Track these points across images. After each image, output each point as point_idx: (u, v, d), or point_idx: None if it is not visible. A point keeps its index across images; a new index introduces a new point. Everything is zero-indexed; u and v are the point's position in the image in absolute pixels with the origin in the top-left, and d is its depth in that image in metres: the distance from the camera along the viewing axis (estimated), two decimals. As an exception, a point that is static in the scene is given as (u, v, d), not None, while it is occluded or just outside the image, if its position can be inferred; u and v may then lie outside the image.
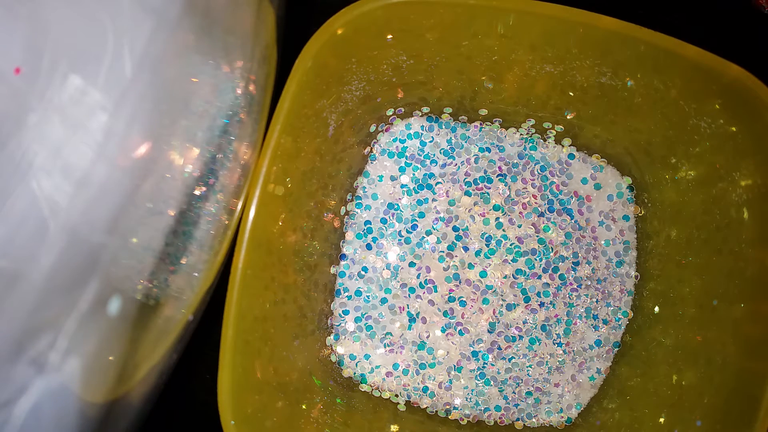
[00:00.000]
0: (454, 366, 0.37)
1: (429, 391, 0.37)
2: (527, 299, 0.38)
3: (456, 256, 0.38)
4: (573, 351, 0.38)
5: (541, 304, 0.38)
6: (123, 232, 0.24)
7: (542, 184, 0.39)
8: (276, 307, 0.33)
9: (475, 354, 0.38)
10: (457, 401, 0.37)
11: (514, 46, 0.33)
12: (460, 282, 0.38)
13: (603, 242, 0.39)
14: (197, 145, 0.27)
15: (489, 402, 0.37)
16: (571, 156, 0.39)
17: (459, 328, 0.38)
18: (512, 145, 0.39)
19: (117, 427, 0.27)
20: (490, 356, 0.37)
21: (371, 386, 0.37)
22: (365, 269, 0.38)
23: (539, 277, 0.38)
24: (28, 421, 0.22)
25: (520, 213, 0.39)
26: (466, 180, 0.39)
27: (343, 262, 0.38)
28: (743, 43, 0.39)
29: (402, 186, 0.39)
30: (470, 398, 0.37)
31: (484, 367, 0.37)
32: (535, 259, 0.38)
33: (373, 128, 0.38)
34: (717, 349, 0.32)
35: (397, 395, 0.37)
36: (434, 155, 0.39)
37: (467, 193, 0.39)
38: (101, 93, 0.22)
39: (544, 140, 0.39)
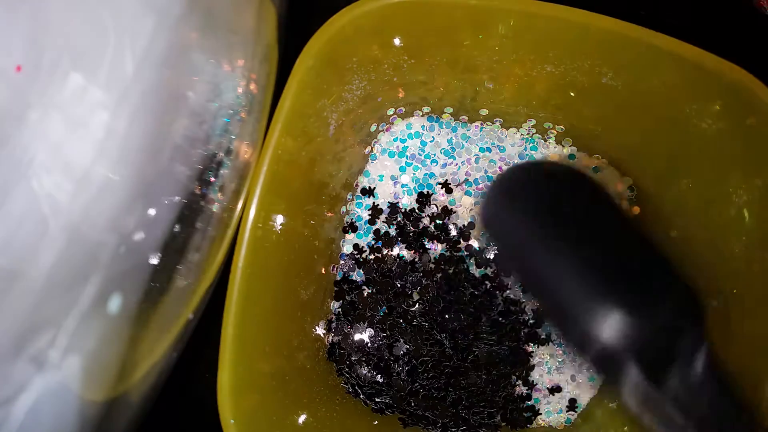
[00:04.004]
0: (454, 366, 0.37)
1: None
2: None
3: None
4: (573, 351, 0.38)
5: (541, 305, 0.38)
6: (123, 231, 0.24)
7: (543, 185, 0.39)
8: (276, 306, 0.33)
9: (474, 354, 0.37)
10: (457, 401, 0.37)
11: (515, 47, 0.33)
12: (460, 282, 0.38)
13: (603, 243, 0.39)
14: (198, 144, 0.27)
15: (488, 402, 0.37)
16: (571, 156, 0.39)
17: (459, 328, 0.38)
18: (513, 145, 0.39)
19: (116, 426, 0.27)
20: (490, 356, 0.37)
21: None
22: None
23: (539, 278, 0.38)
24: (27, 419, 0.22)
25: (521, 213, 0.39)
26: (467, 180, 0.39)
27: (342, 262, 0.38)
28: (744, 44, 0.39)
29: (402, 186, 0.39)
30: (470, 398, 0.37)
31: (483, 367, 0.37)
32: (535, 260, 0.38)
33: (373, 128, 0.38)
34: (716, 350, 0.32)
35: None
36: (435, 155, 0.39)
37: (467, 193, 0.39)
38: (102, 91, 0.22)
39: (545, 140, 0.39)
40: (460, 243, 0.38)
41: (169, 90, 0.24)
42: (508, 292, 0.38)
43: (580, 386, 0.38)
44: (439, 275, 0.37)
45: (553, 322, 0.32)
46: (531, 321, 0.38)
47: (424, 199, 0.38)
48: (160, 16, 0.23)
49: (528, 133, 0.39)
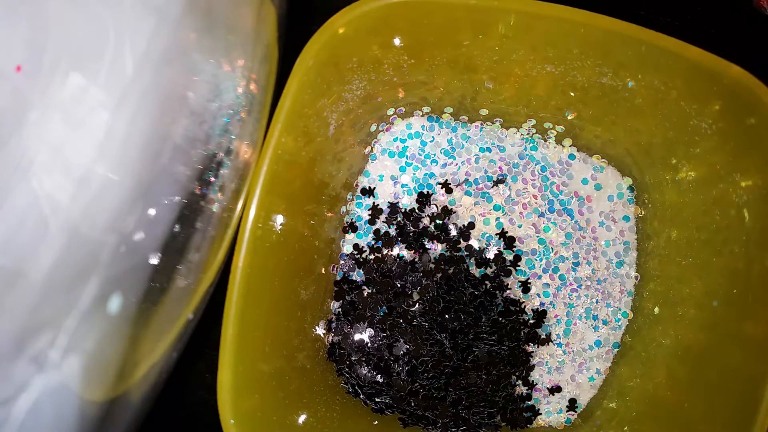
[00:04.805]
0: (454, 366, 0.37)
1: (429, 391, 0.37)
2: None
3: (456, 256, 0.38)
4: (573, 351, 0.38)
5: (541, 304, 0.38)
6: (123, 231, 0.24)
7: (543, 185, 0.39)
8: (276, 306, 0.33)
9: (474, 354, 0.37)
10: (457, 401, 0.37)
11: (515, 46, 0.33)
12: (460, 282, 0.38)
13: (603, 243, 0.39)
14: (198, 144, 0.27)
15: (488, 402, 0.37)
16: (571, 156, 0.39)
17: (459, 328, 0.38)
18: (513, 145, 0.39)
19: (116, 426, 0.27)
20: (490, 356, 0.37)
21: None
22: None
23: (539, 277, 0.38)
24: (27, 419, 0.22)
25: (521, 213, 0.39)
26: (467, 180, 0.39)
27: (342, 262, 0.38)
28: (744, 43, 0.39)
29: (402, 186, 0.39)
30: (470, 398, 0.37)
31: (483, 367, 0.37)
32: (535, 260, 0.38)
33: (373, 128, 0.38)
34: (717, 349, 0.32)
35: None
36: (435, 155, 0.39)
37: (467, 193, 0.39)
38: (102, 91, 0.22)
39: (545, 140, 0.39)
40: (460, 243, 0.38)
41: (169, 90, 0.24)
42: (508, 292, 0.38)
43: (580, 386, 0.38)
44: (439, 275, 0.37)
45: None
46: (531, 321, 0.38)
47: (424, 199, 0.38)
48: (160, 16, 0.23)
49: (528, 133, 0.39)
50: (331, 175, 0.36)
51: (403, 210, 0.38)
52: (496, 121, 0.39)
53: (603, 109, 0.35)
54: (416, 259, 0.38)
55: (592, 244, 0.38)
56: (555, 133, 0.38)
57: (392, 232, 0.38)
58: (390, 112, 0.38)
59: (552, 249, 0.38)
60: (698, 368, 0.33)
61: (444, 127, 0.39)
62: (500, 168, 0.39)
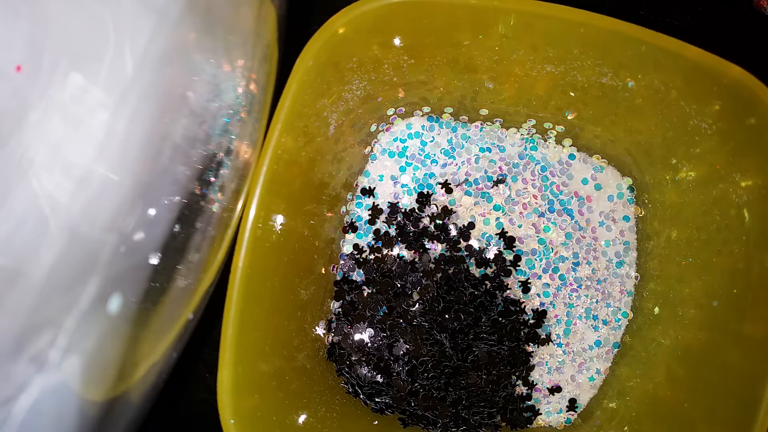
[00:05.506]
0: (454, 366, 0.37)
1: (429, 391, 0.37)
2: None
3: (456, 256, 0.38)
4: (573, 351, 0.38)
5: (541, 304, 0.38)
6: (123, 231, 0.24)
7: (543, 185, 0.39)
8: (276, 307, 0.33)
9: (474, 354, 0.37)
10: (457, 401, 0.37)
11: (515, 46, 0.33)
12: (460, 282, 0.38)
13: (603, 243, 0.39)
14: (198, 144, 0.27)
15: (488, 402, 0.37)
16: (571, 156, 0.39)
17: (459, 328, 0.38)
18: (513, 145, 0.39)
19: (116, 426, 0.27)
20: (490, 356, 0.37)
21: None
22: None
23: (539, 277, 0.38)
24: (27, 418, 0.22)
25: (521, 213, 0.39)
26: (467, 180, 0.39)
27: (342, 262, 0.38)
28: (744, 43, 0.39)
29: (402, 186, 0.39)
30: (470, 398, 0.37)
31: (483, 367, 0.37)
32: (535, 260, 0.38)
33: (373, 128, 0.38)
34: (717, 349, 0.32)
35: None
36: (435, 155, 0.39)
37: (467, 193, 0.39)
38: (102, 91, 0.22)
39: (545, 140, 0.39)
40: (460, 243, 0.38)
41: (169, 90, 0.24)
42: (508, 292, 0.38)
43: (580, 386, 0.38)
44: (439, 275, 0.37)
45: None
46: (531, 321, 0.38)
47: (424, 199, 0.38)
48: (160, 16, 0.23)
49: (528, 133, 0.39)
50: (331, 175, 0.36)
51: (403, 210, 0.38)
52: (496, 121, 0.39)
53: (603, 109, 0.35)
54: (416, 259, 0.38)
55: (592, 244, 0.38)
56: (555, 133, 0.38)
57: (392, 232, 0.38)
58: (390, 112, 0.38)
59: (552, 249, 0.38)
60: (698, 368, 0.33)
61: (444, 127, 0.39)
62: (500, 168, 0.39)
